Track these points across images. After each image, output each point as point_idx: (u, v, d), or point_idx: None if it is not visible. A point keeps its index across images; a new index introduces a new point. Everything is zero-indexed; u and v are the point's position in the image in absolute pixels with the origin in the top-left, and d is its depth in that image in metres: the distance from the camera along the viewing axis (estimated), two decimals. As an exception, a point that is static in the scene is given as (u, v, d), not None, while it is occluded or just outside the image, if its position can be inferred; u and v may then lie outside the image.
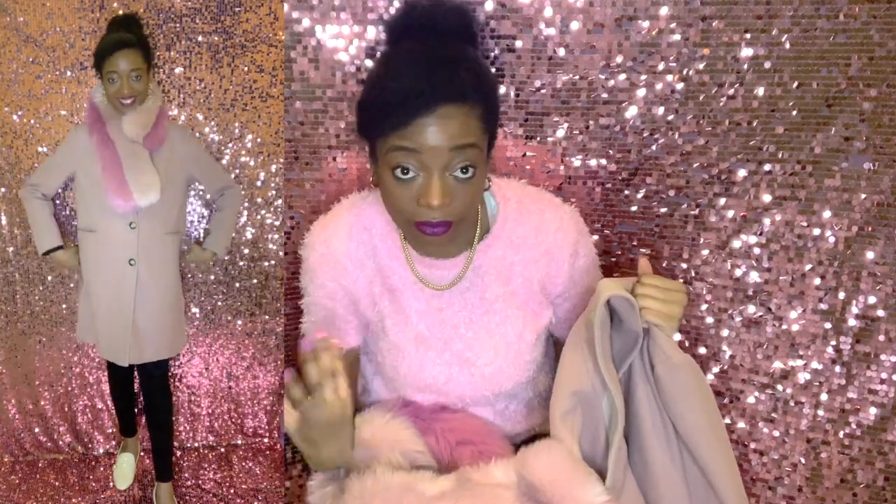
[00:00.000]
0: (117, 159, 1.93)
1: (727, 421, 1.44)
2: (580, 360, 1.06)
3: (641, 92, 1.33)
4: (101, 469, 2.38)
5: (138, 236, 2.02)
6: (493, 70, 1.34)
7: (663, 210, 1.40)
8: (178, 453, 2.43)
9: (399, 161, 1.00)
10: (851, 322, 1.33)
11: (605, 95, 1.34)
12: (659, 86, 1.32)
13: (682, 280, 1.41)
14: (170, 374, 2.41)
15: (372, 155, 1.07)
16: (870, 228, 1.29)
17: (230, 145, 2.23)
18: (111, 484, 2.32)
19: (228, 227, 2.24)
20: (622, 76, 1.33)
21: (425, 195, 0.99)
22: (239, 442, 2.51)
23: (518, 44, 1.32)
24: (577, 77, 1.33)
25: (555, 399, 1.08)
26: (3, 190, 2.15)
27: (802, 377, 1.37)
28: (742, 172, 1.33)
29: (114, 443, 2.47)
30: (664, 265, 1.42)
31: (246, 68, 2.17)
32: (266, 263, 2.36)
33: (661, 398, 1.06)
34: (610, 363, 1.05)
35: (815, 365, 1.36)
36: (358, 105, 1.07)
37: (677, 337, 1.43)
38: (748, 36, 1.26)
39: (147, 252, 2.05)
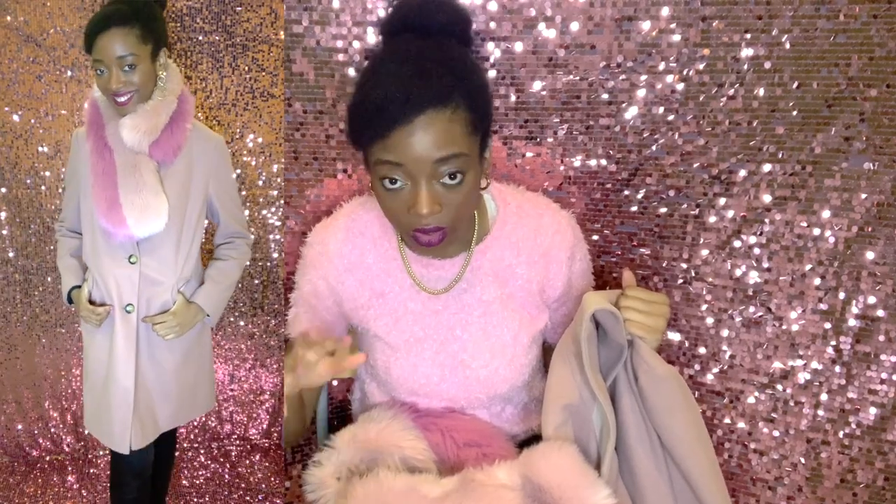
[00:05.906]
0: (112, 172, 1.49)
1: (727, 421, 1.44)
2: (568, 374, 1.07)
3: (641, 92, 1.33)
4: (101, 469, 2.38)
5: (139, 273, 1.54)
6: (494, 72, 1.34)
7: (663, 210, 1.39)
8: (179, 453, 2.43)
9: (385, 173, 1.00)
10: (851, 322, 1.33)
11: (605, 96, 1.34)
12: (659, 86, 1.32)
13: (682, 280, 1.41)
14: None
15: (365, 162, 1.07)
16: (870, 228, 1.29)
17: (231, 145, 2.23)
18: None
19: (228, 285, 1.70)
20: (622, 77, 1.32)
21: (414, 205, 0.99)
22: (239, 442, 2.51)
23: (518, 45, 1.32)
24: (577, 78, 1.33)
25: (546, 414, 1.09)
26: (3, 190, 2.14)
27: (802, 377, 1.37)
28: (742, 172, 1.33)
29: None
30: (664, 265, 1.42)
31: (247, 68, 2.17)
32: (268, 264, 2.36)
33: (645, 409, 1.07)
34: (598, 376, 1.06)
35: (815, 365, 1.36)
36: (346, 112, 1.05)
37: (677, 337, 1.44)
38: (748, 36, 1.26)
39: (151, 296, 1.57)
